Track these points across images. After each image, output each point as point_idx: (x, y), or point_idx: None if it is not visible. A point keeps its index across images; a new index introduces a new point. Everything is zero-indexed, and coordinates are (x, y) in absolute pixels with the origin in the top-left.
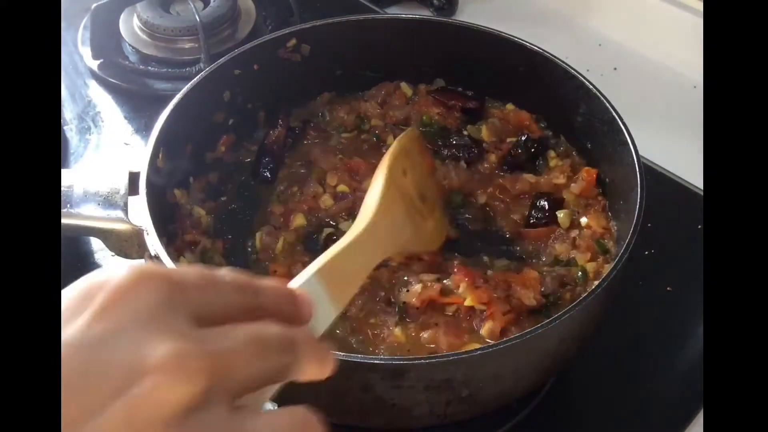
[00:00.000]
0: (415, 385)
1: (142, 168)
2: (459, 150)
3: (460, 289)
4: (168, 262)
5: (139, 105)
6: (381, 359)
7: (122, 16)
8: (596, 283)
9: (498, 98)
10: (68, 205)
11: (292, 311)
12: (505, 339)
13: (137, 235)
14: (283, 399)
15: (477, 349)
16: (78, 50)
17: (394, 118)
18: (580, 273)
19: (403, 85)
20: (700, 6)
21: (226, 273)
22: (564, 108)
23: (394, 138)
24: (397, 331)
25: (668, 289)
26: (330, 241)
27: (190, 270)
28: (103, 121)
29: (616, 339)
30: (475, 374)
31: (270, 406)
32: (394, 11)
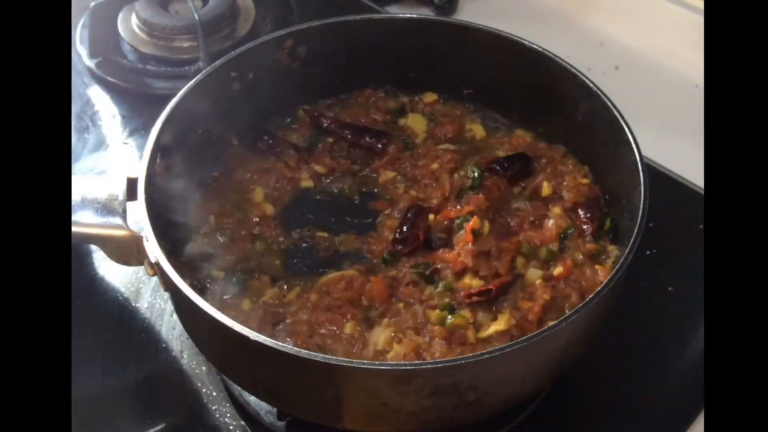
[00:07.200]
0: (422, 390)
1: (141, 173)
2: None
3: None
4: (169, 269)
5: (137, 104)
6: (387, 365)
7: (121, 15)
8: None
9: (498, 97)
10: None
11: None
12: (512, 342)
13: (136, 241)
14: (287, 405)
15: (484, 353)
16: (76, 49)
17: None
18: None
19: None
20: (702, 5)
21: None
22: (565, 107)
23: None
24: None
25: (669, 289)
26: None
27: None
28: (101, 120)
29: (616, 339)
30: (482, 378)
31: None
32: (394, 10)
